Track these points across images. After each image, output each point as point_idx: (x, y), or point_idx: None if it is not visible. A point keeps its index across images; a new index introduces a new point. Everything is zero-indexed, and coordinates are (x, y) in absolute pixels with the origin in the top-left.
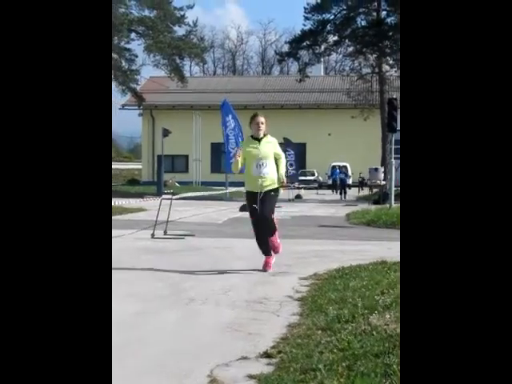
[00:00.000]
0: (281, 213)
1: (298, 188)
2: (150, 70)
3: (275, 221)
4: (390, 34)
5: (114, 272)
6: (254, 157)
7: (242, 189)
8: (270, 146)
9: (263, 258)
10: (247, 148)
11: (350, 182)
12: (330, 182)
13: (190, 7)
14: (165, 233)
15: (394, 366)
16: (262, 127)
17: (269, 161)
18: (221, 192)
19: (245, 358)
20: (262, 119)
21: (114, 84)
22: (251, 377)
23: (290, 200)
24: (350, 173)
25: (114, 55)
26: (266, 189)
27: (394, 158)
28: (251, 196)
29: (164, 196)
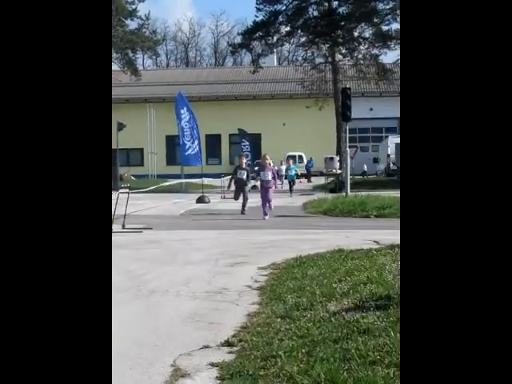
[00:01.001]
0: (237, 203)
1: (254, 179)
2: None
3: None
4: (342, 23)
5: None
6: None
7: (198, 181)
8: None
9: (220, 249)
10: None
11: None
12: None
13: (142, 0)
14: (123, 227)
15: (353, 351)
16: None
17: None
18: (176, 183)
19: (206, 347)
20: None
21: None
22: (213, 365)
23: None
24: (305, 162)
25: None
26: None
27: (349, 147)
28: None
29: (121, 190)
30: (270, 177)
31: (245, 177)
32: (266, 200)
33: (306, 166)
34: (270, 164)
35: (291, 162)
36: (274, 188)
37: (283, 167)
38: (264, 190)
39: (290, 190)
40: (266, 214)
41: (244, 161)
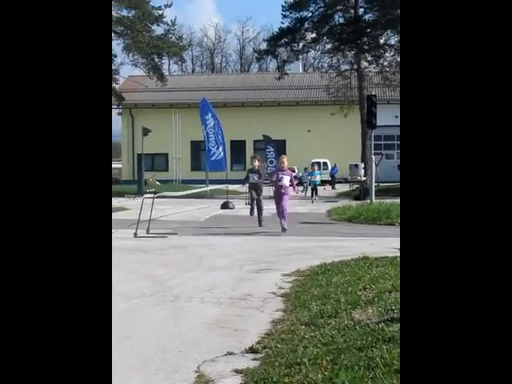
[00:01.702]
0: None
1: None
2: (128, 69)
3: None
4: (368, 30)
5: None
6: None
7: (223, 187)
8: None
9: (244, 255)
10: None
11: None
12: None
13: (168, 6)
14: (147, 232)
15: (377, 359)
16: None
17: None
18: (201, 190)
19: (231, 353)
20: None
21: None
22: (238, 371)
23: (270, 197)
24: (329, 168)
25: None
26: None
27: (374, 154)
28: None
29: (146, 195)
30: (287, 182)
31: (257, 179)
32: (280, 208)
33: (331, 172)
34: (286, 167)
35: (316, 167)
36: (291, 194)
37: (306, 174)
38: (278, 197)
39: (313, 197)
40: (283, 227)
41: (257, 163)
